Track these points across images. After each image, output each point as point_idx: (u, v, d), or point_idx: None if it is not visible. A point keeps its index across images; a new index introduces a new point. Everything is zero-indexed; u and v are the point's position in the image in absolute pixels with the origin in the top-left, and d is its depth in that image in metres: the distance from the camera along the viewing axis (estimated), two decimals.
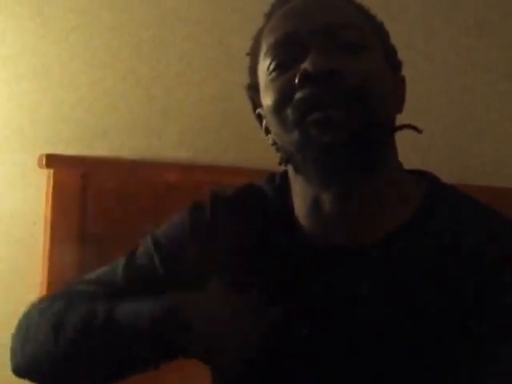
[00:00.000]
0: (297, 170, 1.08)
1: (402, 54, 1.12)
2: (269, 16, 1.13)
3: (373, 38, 1.07)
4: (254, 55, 1.13)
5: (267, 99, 1.06)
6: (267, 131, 1.12)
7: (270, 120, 1.08)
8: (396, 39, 1.13)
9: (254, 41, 1.15)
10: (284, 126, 1.04)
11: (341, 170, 1.02)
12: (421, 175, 1.14)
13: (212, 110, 2.18)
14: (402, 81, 1.12)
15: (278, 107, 1.04)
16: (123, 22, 2.14)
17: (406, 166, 1.13)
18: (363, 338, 1.04)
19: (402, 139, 1.11)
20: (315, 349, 1.06)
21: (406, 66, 1.13)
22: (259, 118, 1.15)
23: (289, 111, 1.02)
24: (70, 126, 2.08)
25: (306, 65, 1.01)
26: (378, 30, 1.10)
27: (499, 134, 2.39)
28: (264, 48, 1.09)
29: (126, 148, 2.11)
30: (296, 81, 1.01)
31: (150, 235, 1.21)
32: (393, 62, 1.10)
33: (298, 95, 1.01)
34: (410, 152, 1.14)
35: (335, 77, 1.00)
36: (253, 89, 1.13)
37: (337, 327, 1.06)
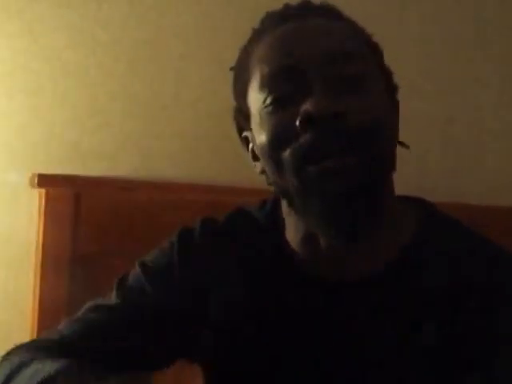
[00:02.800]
0: (292, 208, 1.04)
1: (399, 69, 1.10)
2: (259, 33, 1.07)
3: (372, 65, 1.03)
4: (242, 75, 1.07)
5: (262, 135, 1.01)
6: (255, 158, 1.08)
7: (261, 154, 1.03)
8: (393, 55, 1.10)
9: (241, 56, 1.10)
10: (279, 168, 0.99)
11: (346, 222, 0.98)
12: (414, 202, 1.11)
13: (208, 129, 2.16)
14: (397, 105, 1.08)
15: (274, 147, 0.99)
16: (117, 39, 2.13)
17: (401, 183, 1.10)
18: (356, 374, 1.02)
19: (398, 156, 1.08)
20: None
21: (403, 82, 1.10)
22: (245, 141, 1.10)
23: (287, 154, 0.97)
24: (63, 145, 2.06)
25: (308, 106, 0.95)
26: (375, 52, 1.06)
27: (496, 150, 2.37)
28: (258, 75, 1.03)
29: (119, 167, 2.09)
30: (297, 123, 0.96)
31: (137, 262, 1.18)
32: (390, 86, 1.06)
33: (300, 141, 0.96)
34: (404, 168, 1.11)
35: (339, 120, 0.95)
36: (241, 113, 1.08)
37: (328, 361, 1.04)
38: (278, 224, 1.10)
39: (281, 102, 0.99)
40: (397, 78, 1.09)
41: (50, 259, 1.96)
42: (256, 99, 1.03)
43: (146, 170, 2.12)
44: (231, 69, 1.12)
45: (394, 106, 1.06)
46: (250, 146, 1.08)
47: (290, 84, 0.98)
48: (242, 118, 1.08)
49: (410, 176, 2.04)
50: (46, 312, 1.94)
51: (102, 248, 1.99)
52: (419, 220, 1.07)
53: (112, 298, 1.15)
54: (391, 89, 1.06)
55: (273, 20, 1.06)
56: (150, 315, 1.09)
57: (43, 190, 1.98)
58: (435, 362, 0.99)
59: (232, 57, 2.28)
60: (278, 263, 1.08)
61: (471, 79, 2.35)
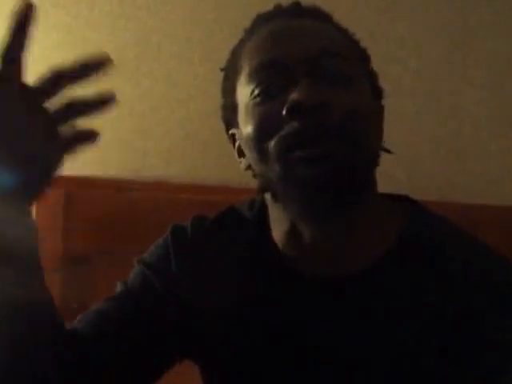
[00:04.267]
0: (275, 199, 1.05)
1: (390, 70, 1.11)
2: (249, 32, 1.10)
3: (359, 67, 1.05)
4: (231, 72, 1.10)
5: (248, 126, 1.03)
6: (240, 154, 1.10)
7: (247, 146, 1.05)
8: (385, 55, 1.11)
9: (231, 56, 1.12)
10: (264, 157, 1.01)
11: (323, 207, 1.00)
12: (400, 200, 1.12)
13: (198, 128, 2.17)
14: (382, 110, 1.10)
15: (260, 137, 1.01)
16: (108, 39, 2.13)
17: (393, 182, 1.10)
18: (341, 371, 1.03)
19: (388, 155, 1.09)
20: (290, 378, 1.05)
21: (395, 83, 1.11)
22: (232, 138, 1.12)
23: (271, 143, 0.99)
24: None
25: (296, 95, 0.98)
26: (363, 57, 1.08)
27: (487, 151, 2.38)
28: (246, 69, 1.05)
29: (110, 167, 2.10)
30: (284, 112, 0.98)
31: (135, 261, 1.21)
32: (376, 90, 1.08)
33: (286, 130, 0.98)
34: (395, 168, 1.12)
35: (324, 110, 0.98)
36: (229, 109, 1.10)
37: (314, 357, 1.04)
38: (265, 221, 1.11)
39: (268, 93, 1.01)
40: (387, 78, 1.10)
41: (42, 260, 1.93)
42: (244, 92, 1.05)
43: (137, 170, 2.12)
44: (222, 69, 1.15)
45: (379, 109, 1.09)
46: (237, 143, 1.10)
47: (278, 76, 1.01)
48: (230, 114, 1.10)
49: (401, 175, 2.05)
50: None
51: (93, 248, 2.00)
52: (405, 217, 1.07)
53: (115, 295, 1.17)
54: (377, 93, 1.08)
55: (263, 19, 1.09)
56: (153, 305, 1.11)
57: None
58: (421, 357, 0.99)
59: (222, 56, 2.27)
60: (264, 260, 1.09)
61: (461, 79, 2.36)
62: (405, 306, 1.01)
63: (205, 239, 1.14)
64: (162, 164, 2.14)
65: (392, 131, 1.09)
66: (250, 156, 1.05)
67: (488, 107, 2.39)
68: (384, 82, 1.12)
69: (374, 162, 1.04)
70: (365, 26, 1.12)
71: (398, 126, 1.11)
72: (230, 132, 1.12)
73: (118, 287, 1.19)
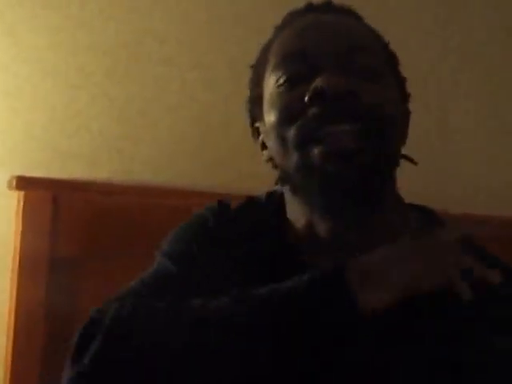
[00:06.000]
0: (294, 191, 1.04)
1: None
2: (280, 28, 1.09)
3: (387, 66, 1.05)
4: (259, 67, 1.09)
5: (271, 114, 1.02)
6: (263, 147, 1.09)
7: (269, 136, 1.04)
8: None
9: (261, 53, 1.11)
10: (283, 145, 1.00)
11: (343, 202, 0.98)
12: (416, 207, 1.11)
13: (187, 133, 2.16)
14: (408, 114, 1.10)
15: (282, 124, 1.00)
16: (97, 42, 2.12)
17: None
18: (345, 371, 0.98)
19: None
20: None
21: None
22: (256, 131, 1.11)
23: (292, 131, 0.98)
24: (42, 148, 2.05)
25: (320, 81, 0.96)
26: (391, 59, 1.08)
27: (481, 160, 2.39)
28: (273, 60, 1.05)
29: (98, 170, 2.09)
30: (306, 98, 0.97)
31: (157, 253, 1.17)
32: (403, 93, 1.09)
33: (308, 114, 0.97)
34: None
35: (350, 98, 0.96)
36: (254, 101, 1.09)
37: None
38: (283, 214, 1.10)
39: (293, 81, 1.01)
40: None
41: (27, 262, 1.94)
42: (269, 81, 1.04)
43: (125, 174, 2.11)
44: (251, 66, 1.13)
45: (405, 112, 1.08)
46: (261, 136, 1.09)
47: (304, 66, 1.00)
48: (255, 106, 1.09)
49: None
50: (24, 316, 1.92)
51: (80, 251, 1.98)
52: (420, 224, 1.07)
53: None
54: (403, 95, 1.08)
55: (293, 15, 1.09)
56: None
57: (22, 193, 1.96)
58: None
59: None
60: (281, 254, 1.06)
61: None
62: (415, 313, 0.98)
63: (225, 231, 1.11)
64: (151, 169, 2.14)
65: None
66: (272, 146, 1.04)
67: (480, 115, 2.40)
68: None
69: (396, 161, 1.03)
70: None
71: None
72: (255, 125, 1.10)
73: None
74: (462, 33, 2.39)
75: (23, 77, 2.05)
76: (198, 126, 2.15)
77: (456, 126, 2.37)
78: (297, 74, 1.01)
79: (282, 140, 1.00)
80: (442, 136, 2.35)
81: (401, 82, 1.08)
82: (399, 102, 1.05)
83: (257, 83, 1.09)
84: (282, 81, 1.01)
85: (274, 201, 1.13)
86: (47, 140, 2.06)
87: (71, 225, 1.98)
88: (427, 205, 1.14)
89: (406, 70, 2.28)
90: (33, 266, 1.94)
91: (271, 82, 1.04)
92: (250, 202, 1.16)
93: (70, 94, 2.09)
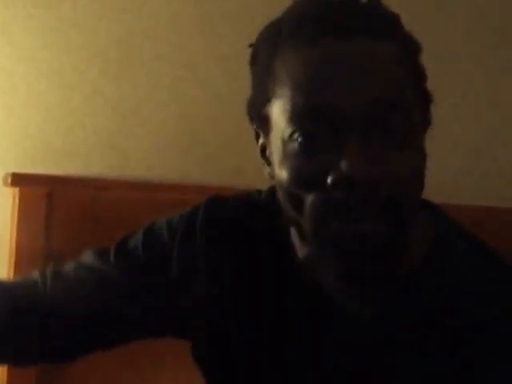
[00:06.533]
0: (302, 238, 0.99)
1: None
2: (286, 31, 0.94)
3: (416, 107, 0.93)
4: (264, 76, 0.96)
5: (284, 171, 0.92)
6: (264, 158, 1.00)
7: (280, 188, 0.96)
8: None
9: (264, 52, 0.97)
10: (299, 206, 0.92)
11: (357, 281, 0.95)
12: (429, 208, 1.04)
13: (180, 130, 2.17)
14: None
15: (298, 187, 0.91)
16: (91, 41, 2.13)
17: None
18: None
19: None
20: None
21: None
22: (256, 134, 1.02)
23: (311, 197, 0.90)
24: (37, 145, 2.06)
25: (344, 167, 0.86)
26: (419, 78, 0.96)
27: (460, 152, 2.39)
28: (287, 100, 0.91)
29: (92, 167, 2.10)
30: (329, 181, 0.88)
31: (143, 229, 1.18)
32: (426, 120, 0.96)
33: (332, 193, 0.88)
34: None
35: (374, 186, 0.87)
36: (257, 112, 0.98)
37: (314, 367, 1.01)
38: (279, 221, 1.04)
39: (311, 143, 0.90)
40: None
41: (23, 258, 1.95)
42: (282, 126, 0.92)
43: (119, 170, 2.12)
44: (250, 46, 1.00)
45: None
46: (260, 141, 1.00)
47: (325, 126, 0.89)
48: (259, 119, 0.98)
49: None
50: None
51: (75, 247, 1.80)
52: (431, 240, 1.01)
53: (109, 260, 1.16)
54: (426, 122, 0.97)
55: (309, 25, 0.92)
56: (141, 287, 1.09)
57: (17, 189, 1.97)
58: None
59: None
60: (278, 263, 1.04)
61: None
62: (418, 329, 0.97)
63: (216, 234, 1.08)
64: (144, 164, 2.15)
65: None
66: (280, 195, 0.96)
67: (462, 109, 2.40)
68: None
69: (416, 212, 0.95)
70: None
71: None
72: (254, 128, 1.02)
73: (112, 256, 1.16)
74: (446, 17, 2.39)
75: (18, 76, 2.07)
76: (189, 122, 2.16)
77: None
78: (316, 135, 0.89)
79: (297, 201, 0.91)
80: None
81: (426, 103, 0.96)
82: (423, 147, 0.93)
83: (263, 97, 0.96)
84: (296, 137, 0.90)
85: (274, 201, 1.04)
86: (42, 137, 2.07)
87: (66, 220, 1.99)
88: None
89: None
90: (28, 261, 1.94)
91: (284, 130, 0.92)
92: (248, 202, 1.11)
93: (64, 93, 2.10)
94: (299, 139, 0.90)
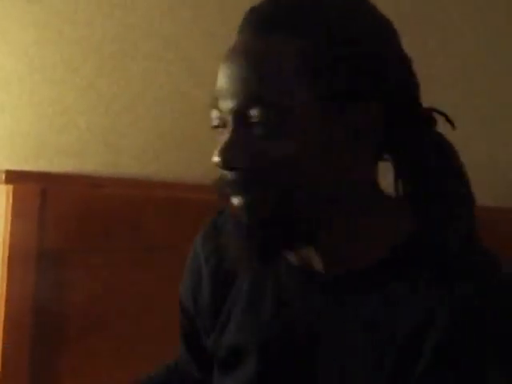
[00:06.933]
0: None
1: None
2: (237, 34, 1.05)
3: (299, 98, 0.97)
4: None
5: None
6: None
7: None
8: None
9: None
10: None
11: (253, 251, 1.02)
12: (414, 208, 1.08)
13: (175, 127, 2.17)
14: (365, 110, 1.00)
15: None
16: (84, 36, 2.12)
17: None
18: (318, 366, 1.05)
19: None
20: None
21: None
22: None
23: None
24: (30, 142, 2.05)
25: (214, 156, 1.01)
26: (323, 71, 0.98)
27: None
28: None
29: (86, 164, 2.09)
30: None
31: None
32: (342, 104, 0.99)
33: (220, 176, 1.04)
34: None
35: (236, 170, 1.00)
36: None
37: (297, 347, 1.08)
38: None
39: (217, 132, 1.04)
40: None
41: (16, 256, 1.94)
42: None
43: (113, 167, 2.11)
44: None
45: (340, 136, 1.00)
46: None
47: (220, 119, 1.03)
48: None
49: None
50: (13, 309, 1.93)
51: (69, 245, 1.98)
52: (405, 226, 1.06)
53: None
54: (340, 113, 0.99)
55: (240, 25, 1.06)
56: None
57: (10, 187, 1.96)
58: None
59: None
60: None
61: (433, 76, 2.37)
62: (395, 308, 1.01)
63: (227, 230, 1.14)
64: (138, 161, 2.14)
65: None
66: None
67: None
68: None
69: (320, 198, 1.00)
70: None
71: None
72: None
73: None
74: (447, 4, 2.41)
75: (10, 72, 2.05)
76: (184, 119, 2.16)
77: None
78: (217, 125, 1.04)
79: None
80: None
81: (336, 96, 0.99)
82: (319, 137, 0.99)
83: None
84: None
85: None
86: (35, 134, 2.06)
87: (60, 218, 1.98)
88: None
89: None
90: (22, 259, 1.94)
91: None
92: None
93: (58, 89, 2.09)
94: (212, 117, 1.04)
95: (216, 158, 1.00)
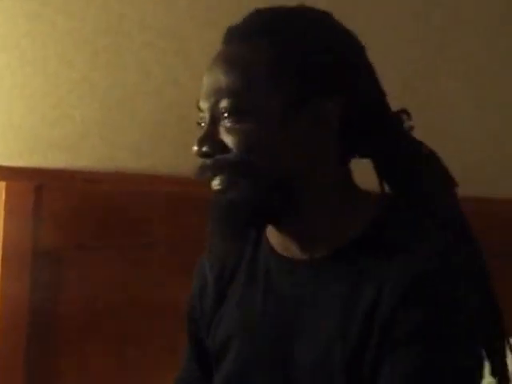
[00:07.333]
0: None
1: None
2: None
3: (269, 96, 1.10)
4: None
5: None
6: None
7: None
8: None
9: None
10: None
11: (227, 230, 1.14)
12: (377, 196, 1.17)
13: (170, 119, 2.14)
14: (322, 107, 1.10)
15: None
16: (78, 27, 2.10)
17: None
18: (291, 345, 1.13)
19: None
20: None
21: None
22: None
23: None
24: (23, 137, 2.03)
25: (193, 147, 1.13)
26: (290, 68, 1.11)
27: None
28: None
29: (81, 159, 2.07)
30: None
31: None
32: (305, 96, 1.11)
33: None
34: None
35: (210, 156, 1.12)
36: None
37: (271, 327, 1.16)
38: None
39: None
40: None
41: (11, 254, 1.94)
42: None
43: (109, 161, 2.10)
44: None
45: (300, 124, 1.11)
46: None
47: (200, 114, 1.15)
48: None
49: None
50: (8, 308, 1.92)
51: (65, 242, 1.97)
52: (377, 211, 1.14)
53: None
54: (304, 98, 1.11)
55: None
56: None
57: (3, 183, 1.95)
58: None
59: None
60: (257, 241, 1.22)
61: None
62: (356, 293, 1.09)
63: None
64: (135, 155, 2.12)
65: None
66: None
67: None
68: None
69: (284, 182, 1.11)
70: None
71: None
72: None
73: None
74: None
75: (1, 65, 2.03)
76: (180, 111, 2.13)
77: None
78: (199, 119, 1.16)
79: None
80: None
81: (305, 84, 1.11)
82: (279, 125, 1.11)
83: None
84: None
85: None
86: (28, 129, 2.04)
87: (55, 215, 1.97)
88: None
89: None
90: (16, 258, 1.93)
91: None
92: None
93: (51, 82, 2.07)
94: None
95: (194, 148, 1.12)
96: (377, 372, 1.05)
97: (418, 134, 1.16)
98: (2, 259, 1.93)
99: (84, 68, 2.09)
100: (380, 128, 1.13)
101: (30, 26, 2.05)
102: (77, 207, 1.99)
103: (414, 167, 1.14)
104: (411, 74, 2.34)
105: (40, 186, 1.97)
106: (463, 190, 1.13)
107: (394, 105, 1.15)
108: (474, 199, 2.10)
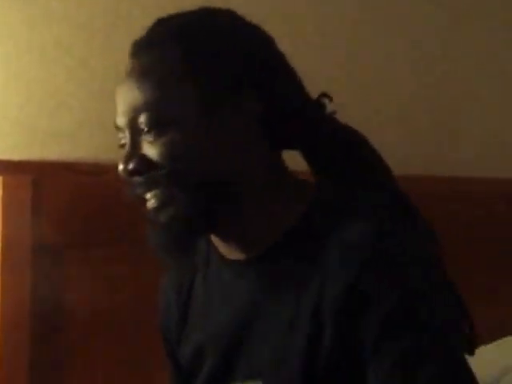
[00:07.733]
0: None
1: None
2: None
3: (186, 100, 1.11)
4: None
5: None
6: None
7: None
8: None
9: None
10: None
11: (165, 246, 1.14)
12: (306, 187, 1.19)
13: None
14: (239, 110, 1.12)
15: None
16: (74, 11, 2.07)
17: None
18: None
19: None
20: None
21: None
22: None
23: None
24: (19, 128, 2.01)
25: (119, 168, 1.13)
26: (193, 75, 1.13)
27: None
28: None
29: (80, 150, 2.05)
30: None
31: None
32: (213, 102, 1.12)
33: None
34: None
35: (135, 175, 1.12)
36: None
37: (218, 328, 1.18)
38: None
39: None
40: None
41: (9, 250, 1.92)
42: None
43: (110, 152, 2.04)
44: None
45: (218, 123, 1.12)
46: None
47: (120, 134, 1.16)
48: None
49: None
50: (8, 304, 1.90)
51: (65, 237, 1.96)
52: (308, 204, 1.16)
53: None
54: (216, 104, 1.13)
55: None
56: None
57: (0, 178, 1.93)
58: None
59: None
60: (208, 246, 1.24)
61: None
62: (293, 290, 1.11)
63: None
64: None
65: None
66: None
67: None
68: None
69: (219, 186, 1.12)
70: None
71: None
72: None
73: None
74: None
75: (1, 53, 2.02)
76: None
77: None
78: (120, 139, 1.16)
79: None
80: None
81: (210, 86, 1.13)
82: (205, 131, 1.12)
83: None
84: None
85: None
86: (24, 120, 2.02)
87: (54, 209, 1.96)
88: None
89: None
90: (16, 255, 1.92)
91: None
92: None
93: (47, 70, 2.05)
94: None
95: (120, 167, 1.13)
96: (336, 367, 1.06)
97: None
98: (2, 255, 1.91)
99: (81, 54, 2.07)
100: (300, 117, 1.15)
101: (24, 11, 2.02)
102: (77, 201, 1.97)
103: (336, 153, 1.17)
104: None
105: (38, 180, 1.95)
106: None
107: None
108: None
